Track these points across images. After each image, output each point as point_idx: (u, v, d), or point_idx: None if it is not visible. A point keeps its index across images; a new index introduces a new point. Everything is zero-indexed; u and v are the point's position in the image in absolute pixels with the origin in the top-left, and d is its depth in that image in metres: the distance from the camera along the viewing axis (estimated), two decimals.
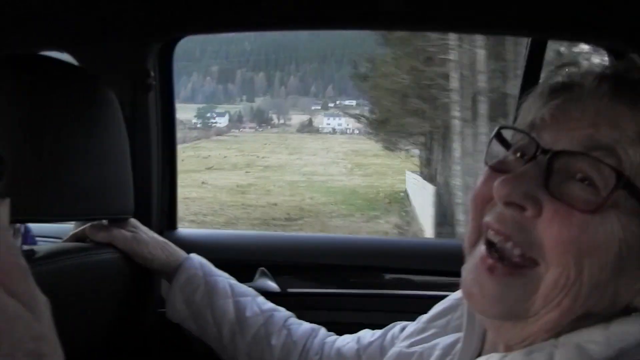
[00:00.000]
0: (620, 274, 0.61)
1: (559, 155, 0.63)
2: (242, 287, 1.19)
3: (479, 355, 0.75)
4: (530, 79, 1.51)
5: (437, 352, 0.84)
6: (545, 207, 0.62)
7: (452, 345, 0.82)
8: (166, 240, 1.21)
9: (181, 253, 1.20)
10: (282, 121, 22.91)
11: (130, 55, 1.37)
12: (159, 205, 1.52)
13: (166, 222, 1.57)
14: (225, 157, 18.36)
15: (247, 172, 16.61)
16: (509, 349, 0.69)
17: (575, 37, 1.50)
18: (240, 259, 1.48)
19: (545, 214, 0.62)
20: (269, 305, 1.18)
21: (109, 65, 1.35)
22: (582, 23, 1.35)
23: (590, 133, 0.63)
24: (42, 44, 1.35)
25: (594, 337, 0.61)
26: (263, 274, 1.46)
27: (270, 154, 19.19)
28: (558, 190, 0.62)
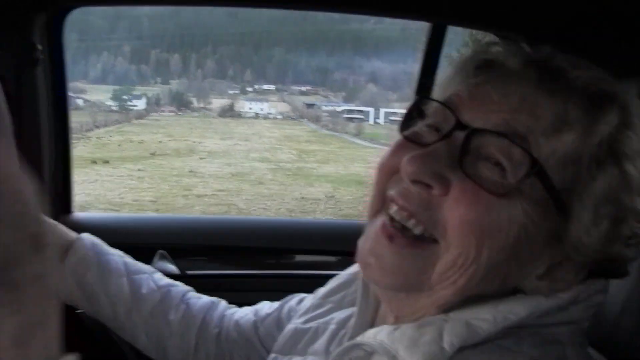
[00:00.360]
0: (514, 258, 0.63)
1: (476, 133, 0.63)
2: (138, 265, 1.15)
3: (373, 327, 0.75)
4: (429, 61, 1.57)
5: (331, 327, 0.85)
6: (454, 186, 0.63)
7: (347, 319, 0.83)
8: (56, 222, 1.15)
9: (72, 234, 1.14)
10: (202, 105, 22.30)
11: (13, 26, 1.27)
12: (53, 188, 1.44)
13: (61, 206, 1.49)
14: (160, 142, 17.50)
15: (201, 158, 15.66)
16: (398, 320, 0.70)
17: (473, 24, 1.57)
18: (138, 243, 1.44)
19: (453, 193, 0.63)
20: (166, 281, 1.15)
21: None
22: (477, 11, 1.41)
23: (507, 118, 0.63)
24: None
25: (482, 315, 0.63)
26: (162, 257, 1.44)
27: (202, 139, 18.44)
28: (468, 171, 0.63)
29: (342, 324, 0.84)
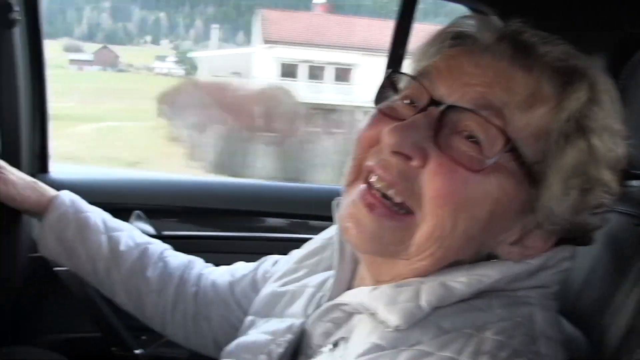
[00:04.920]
0: (488, 228, 0.66)
1: (450, 109, 0.65)
2: (116, 222, 1.17)
3: (349, 289, 0.77)
4: (401, 31, 1.58)
5: (308, 290, 0.87)
6: (431, 159, 0.64)
7: (323, 283, 0.86)
8: (35, 180, 1.16)
9: (51, 192, 1.15)
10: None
11: None
12: (30, 147, 1.47)
13: (38, 164, 1.52)
14: None
15: None
16: (376, 283, 0.72)
17: None
18: (115, 203, 1.44)
19: (430, 166, 0.64)
20: (145, 238, 1.17)
21: None
22: None
23: (483, 92, 0.65)
24: None
25: (457, 278, 0.66)
26: (138, 217, 1.45)
27: None
28: (445, 144, 0.64)
29: (319, 287, 0.86)
